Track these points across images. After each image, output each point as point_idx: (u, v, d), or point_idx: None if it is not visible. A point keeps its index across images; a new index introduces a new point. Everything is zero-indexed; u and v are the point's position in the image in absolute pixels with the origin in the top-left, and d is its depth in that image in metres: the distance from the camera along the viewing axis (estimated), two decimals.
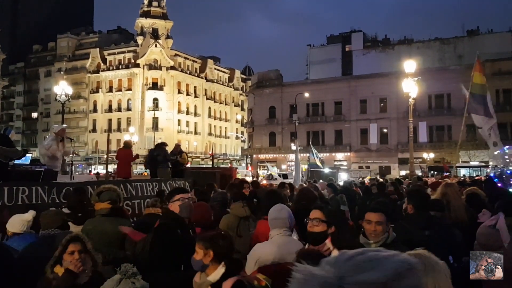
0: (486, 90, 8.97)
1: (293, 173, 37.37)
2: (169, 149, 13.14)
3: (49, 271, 3.34)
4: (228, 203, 7.20)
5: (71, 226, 4.80)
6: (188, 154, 14.93)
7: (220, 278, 3.04)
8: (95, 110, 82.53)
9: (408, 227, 4.07)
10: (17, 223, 4.46)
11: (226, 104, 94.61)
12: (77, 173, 42.75)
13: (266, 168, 50.71)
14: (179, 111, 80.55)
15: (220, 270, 3.08)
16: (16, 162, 8.61)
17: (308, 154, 32.81)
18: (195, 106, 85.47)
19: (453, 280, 1.62)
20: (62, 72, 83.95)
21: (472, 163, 40.95)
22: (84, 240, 3.45)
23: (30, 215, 4.58)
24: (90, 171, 64.65)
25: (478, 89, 8.86)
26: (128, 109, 79.01)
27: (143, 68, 77.82)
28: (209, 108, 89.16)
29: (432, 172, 34.03)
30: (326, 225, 3.55)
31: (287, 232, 3.88)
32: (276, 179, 28.96)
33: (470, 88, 8.98)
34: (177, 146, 14.17)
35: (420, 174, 28.94)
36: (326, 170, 33.48)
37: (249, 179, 30.50)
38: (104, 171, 29.69)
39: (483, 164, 43.26)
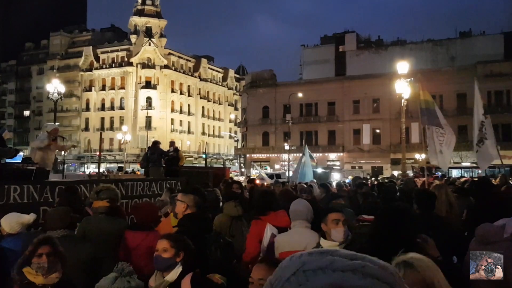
0: (434, 103, 9.78)
1: (287, 173, 37.48)
2: (163, 147, 13.10)
3: (14, 273, 3.22)
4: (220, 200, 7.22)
5: None
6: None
7: (177, 277, 3.09)
8: (87, 109, 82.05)
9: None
10: (15, 224, 4.31)
11: (219, 104, 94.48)
12: (70, 172, 42.45)
13: (258, 167, 50.71)
14: (172, 110, 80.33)
15: (178, 269, 3.13)
16: (8, 160, 8.53)
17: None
18: (189, 105, 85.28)
19: (456, 280, 1.62)
20: (54, 70, 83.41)
21: (463, 164, 41.25)
22: (54, 242, 3.35)
23: (31, 218, 4.48)
24: (84, 171, 63.78)
25: (427, 104, 9.59)
26: (121, 107, 78.64)
27: (137, 66, 77.49)
28: (203, 107, 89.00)
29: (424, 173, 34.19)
30: None
31: (303, 224, 4.22)
32: (263, 178, 28.83)
33: (420, 104, 9.73)
34: (172, 143, 14.19)
35: (411, 174, 29.04)
36: (319, 170, 33.55)
37: (240, 178, 30.48)
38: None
39: (475, 165, 43.52)
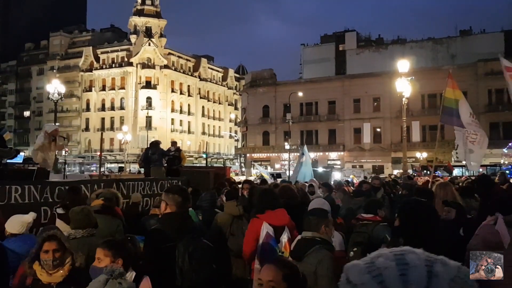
0: (457, 103, 9.47)
1: (288, 172, 37.44)
2: (164, 147, 13.08)
3: (26, 266, 3.31)
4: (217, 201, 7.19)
5: (64, 226, 4.76)
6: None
7: (133, 281, 2.98)
8: (88, 109, 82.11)
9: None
10: (17, 224, 4.36)
11: (219, 103, 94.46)
12: (87, 173, 42.40)
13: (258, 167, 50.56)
14: (172, 110, 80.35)
15: (131, 274, 3.04)
16: (9, 161, 8.56)
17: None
18: (189, 105, 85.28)
19: None
20: (54, 71, 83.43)
21: (464, 162, 41.12)
22: (61, 238, 3.38)
23: (30, 216, 4.52)
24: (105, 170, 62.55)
25: (450, 102, 9.38)
26: (121, 108, 78.67)
27: (137, 66, 77.49)
28: (203, 107, 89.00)
29: (424, 171, 34.18)
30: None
31: None
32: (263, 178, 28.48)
33: (442, 102, 9.55)
34: (174, 142, 14.16)
35: (412, 173, 29.01)
36: (320, 170, 33.49)
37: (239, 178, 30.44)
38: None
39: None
